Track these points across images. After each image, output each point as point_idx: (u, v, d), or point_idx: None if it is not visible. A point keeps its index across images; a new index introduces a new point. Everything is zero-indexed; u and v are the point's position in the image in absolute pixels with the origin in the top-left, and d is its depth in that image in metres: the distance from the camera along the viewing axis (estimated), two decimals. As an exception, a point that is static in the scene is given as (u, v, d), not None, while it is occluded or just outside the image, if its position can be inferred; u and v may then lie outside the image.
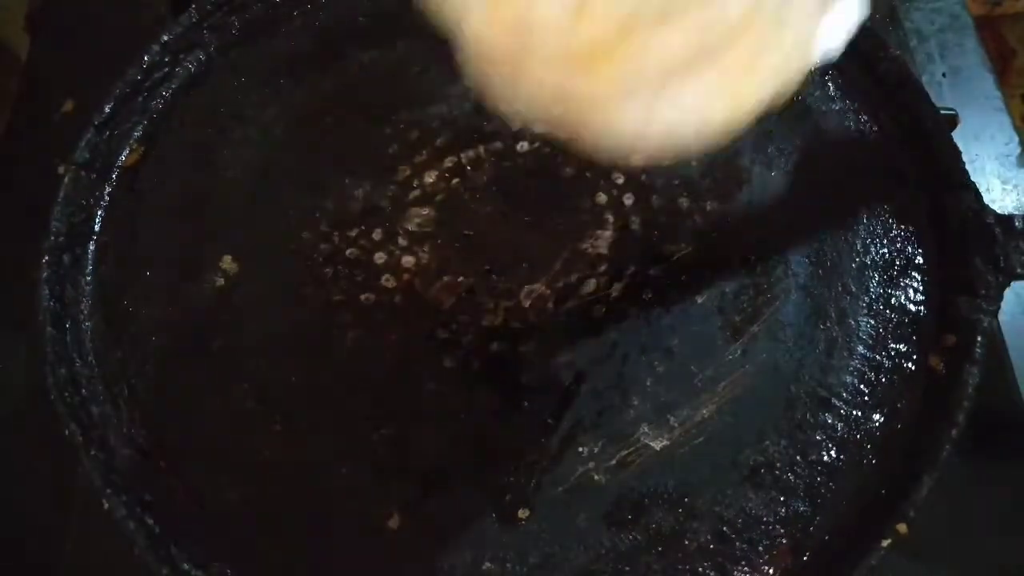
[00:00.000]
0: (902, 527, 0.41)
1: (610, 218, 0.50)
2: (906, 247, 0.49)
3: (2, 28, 0.72)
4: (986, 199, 0.47)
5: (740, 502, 0.43)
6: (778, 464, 0.44)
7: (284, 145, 0.54)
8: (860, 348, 0.46)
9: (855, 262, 0.49)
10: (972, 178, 0.48)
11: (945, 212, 0.49)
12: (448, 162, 0.52)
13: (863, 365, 0.46)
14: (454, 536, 0.42)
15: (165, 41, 0.54)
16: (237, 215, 0.52)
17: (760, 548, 0.42)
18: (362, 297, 0.49)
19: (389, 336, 0.48)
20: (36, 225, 0.49)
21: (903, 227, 0.50)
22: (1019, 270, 0.45)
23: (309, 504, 0.44)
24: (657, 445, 0.44)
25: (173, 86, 0.55)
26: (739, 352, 0.46)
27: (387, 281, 0.49)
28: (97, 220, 0.51)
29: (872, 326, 0.47)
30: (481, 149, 0.53)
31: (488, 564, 0.42)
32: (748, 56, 0.25)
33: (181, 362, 0.47)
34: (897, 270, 0.48)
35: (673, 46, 0.24)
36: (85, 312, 0.49)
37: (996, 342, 0.54)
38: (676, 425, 0.45)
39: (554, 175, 0.52)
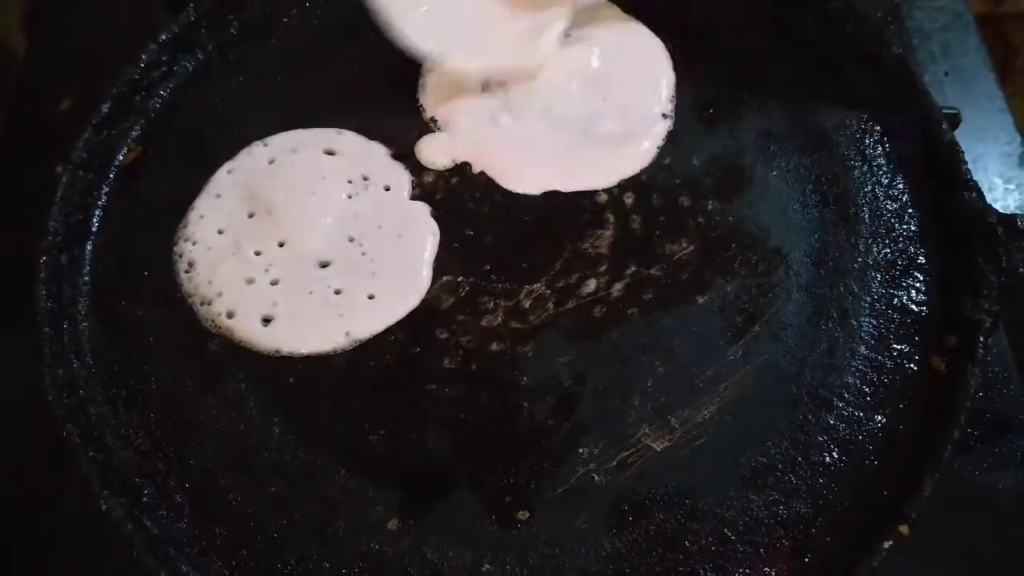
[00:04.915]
0: (904, 528, 0.40)
1: (610, 218, 0.50)
2: (908, 247, 0.49)
3: (-1, 27, 0.72)
4: (988, 198, 0.47)
5: (741, 503, 0.43)
6: (779, 465, 0.43)
7: (283, 144, 0.53)
8: (862, 349, 0.46)
9: (857, 262, 0.48)
10: (974, 177, 0.48)
11: (947, 212, 0.48)
12: (447, 161, 0.52)
13: (865, 366, 0.46)
14: (453, 538, 0.42)
15: (163, 40, 0.54)
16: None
17: (761, 550, 0.42)
18: (361, 297, 0.49)
19: (389, 336, 0.47)
20: (34, 225, 0.49)
21: (905, 227, 0.49)
22: (1021, 269, 0.45)
23: (309, 505, 0.43)
24: (658, 446, 0.44)
25: (171, 85, 0.55)
26: (740, 353, 0.46)
27: (386, 281, 0.49)
28: (95, 220, 0.51)
29: (874, 326, 0.47)
30: (481, 148, 0.53)
31: (487, 566, 0.42)
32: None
33: (179, 363, 0.47)
34: (899, 270, 0.48)
35: None
36: (82, 312, 0.49)
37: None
38: (677, 426, 0.44)
39: (554, 175, 0.52)
